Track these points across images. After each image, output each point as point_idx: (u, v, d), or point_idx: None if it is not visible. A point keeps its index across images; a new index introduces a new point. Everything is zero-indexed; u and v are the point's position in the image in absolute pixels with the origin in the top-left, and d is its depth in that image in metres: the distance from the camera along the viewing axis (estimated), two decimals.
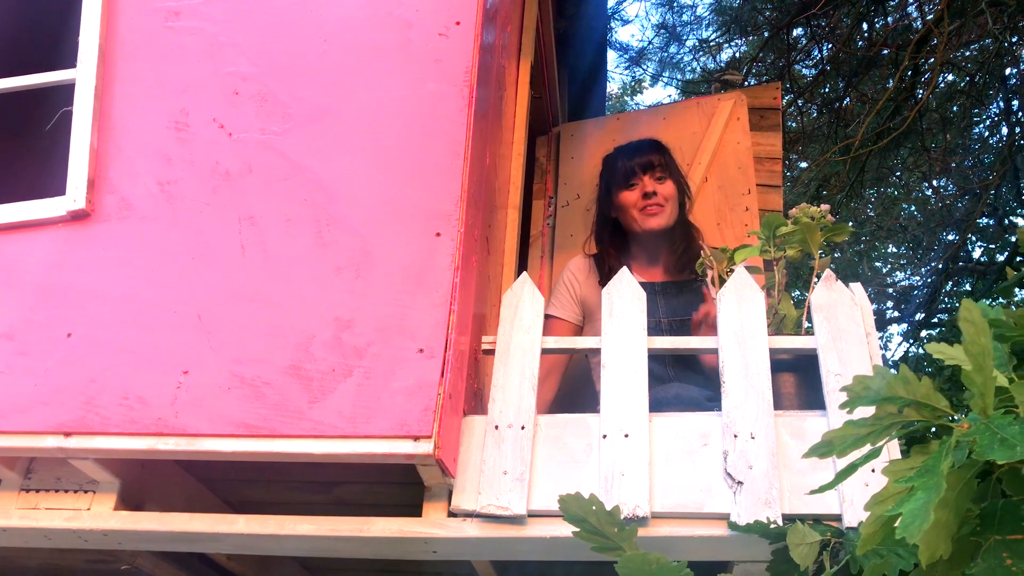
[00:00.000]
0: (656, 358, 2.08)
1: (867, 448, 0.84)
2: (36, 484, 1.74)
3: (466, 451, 1.64)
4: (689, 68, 5.20)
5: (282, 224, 1.74)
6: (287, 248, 1.72)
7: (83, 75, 1.91)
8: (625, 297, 1.78)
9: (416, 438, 1.52)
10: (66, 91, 2.01)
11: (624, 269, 1.82)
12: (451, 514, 1.62)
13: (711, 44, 4.70)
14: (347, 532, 1.61)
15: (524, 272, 1.87)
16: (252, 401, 1.58)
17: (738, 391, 1.64)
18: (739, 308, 1.74)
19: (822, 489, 0.94)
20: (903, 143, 4.46)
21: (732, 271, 1.94)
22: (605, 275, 2.51)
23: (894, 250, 8.86)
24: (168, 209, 1.79)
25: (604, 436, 1.62)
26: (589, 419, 1.67)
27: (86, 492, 1.73)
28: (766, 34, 4.43)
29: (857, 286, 1.78)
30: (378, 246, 1.70)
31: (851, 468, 0.82)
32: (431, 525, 1.60)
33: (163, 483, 1.87)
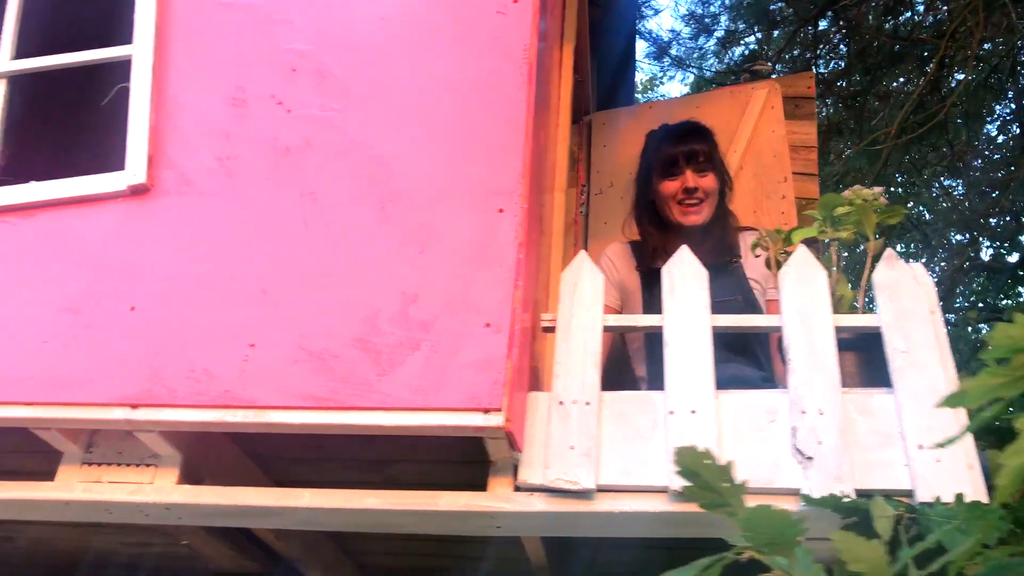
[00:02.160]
0: None
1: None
2: (98, 458, 1.74)
3: (531, 426, 1.64)
4: (717, 59, 5.20)
5: (344, 200, 1.74)
6: (349, 223, 1.72)
7: (139, 51, 1.91)
8: (687, 275, 1.78)
9: (486, 411, 1.52)
10: (113, 67, 2.01)
11: (684, 247, 1.82)
12: (517, 488, 1.61)
13: (737, 35, 4.70)
14: (413, 506, 1.61)
15: (582, 250, 1.86)
16: (320, 374, 1.58)
17: (804, 368, 1.63)
18: (801, 286, 1.74)
19: (950, 442, 0.94)
20: (926, 139, 4.46)
21: (786, 252, 1.94)
22: (645, 257, 2.50)
23: (902, 249, 8.87)
24: (228, 184, 1.78)
25: (671, 412, 1.62)
26: (654, 396, 1.67)
27: (148, 466, 1.72)
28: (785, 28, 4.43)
29: (918, 265, 1.77)
30: (440, 221, 1.70)
31: (979, 420, 0.82)
32: (497, 499, 1.60)
33: (219, 459, 1.86)
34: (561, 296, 1.79)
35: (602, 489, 1.57)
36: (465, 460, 2.03)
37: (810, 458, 1.54)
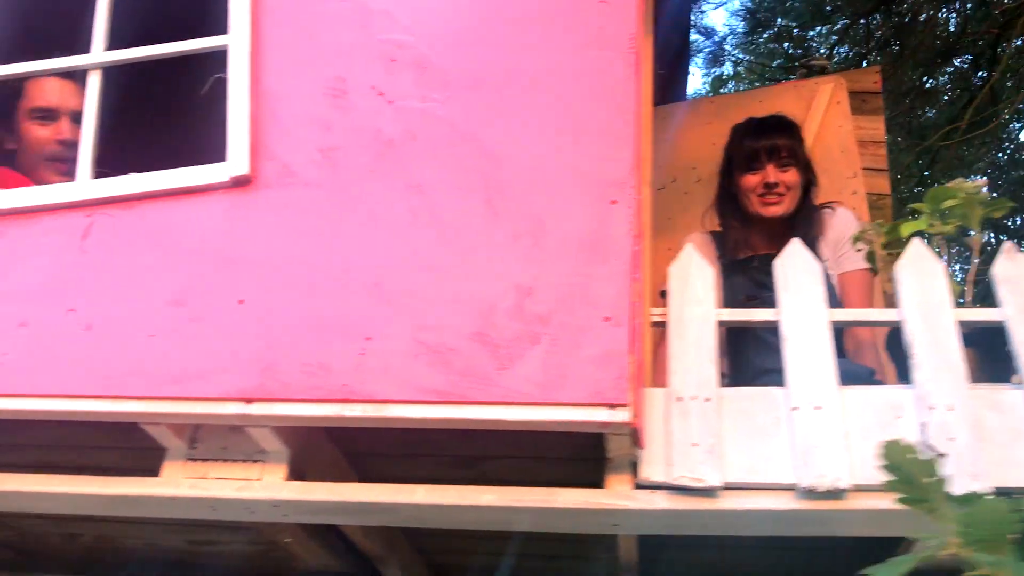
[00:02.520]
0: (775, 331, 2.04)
1: None
2: (202, 453, 1.71)
3: (649, 423, 1.61)
4: (772, 55, 5.15)
5: (451, 192, 1.71)
6: (458, 216, 1.69)
7: (236, 41, 1.88)
8: (799, 269, 1.74)
9: (612, 406, 1.49)
10: (202, 59, 1.99)
11: (796, 240, 1.78)
12: (637, 486, 1.58)
13: (792, 31, 4.65)
14: (531, 503, 1.58)
15: (689, 244, 1.83)
16: (439, 367, 1.55)
17: (929, 363, 1.60)
18: (919, 280, 1.70)
19: None
20: (977, 137, 4.41)
21: (889, 246, 1.91)
22: (726, 248, 2.49)
23: None
24: (332, 176, 1.76)
25: (794, 409, 1.58)
26: (774, 392, 1.63)
27: (255, 462, 1.70)
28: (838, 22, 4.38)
29: None
30: (552, 214, 1.67)
31: None
32: (618, 497, 1.57)
33: (319, 455, 1.84)
34: (671, 290, 1.76)
35: (729, 487, 1.54)
36: (561, 457, 2.01)
37: (942, 455, 1.50)
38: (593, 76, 1.78)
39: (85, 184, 1.79)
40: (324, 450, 1.87)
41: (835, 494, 1.50)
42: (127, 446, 2.12)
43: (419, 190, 1.71)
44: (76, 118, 2.16)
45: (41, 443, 2.14)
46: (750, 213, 2.46)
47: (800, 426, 1.56)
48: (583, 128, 1.74)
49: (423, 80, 1.82)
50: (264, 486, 1.66)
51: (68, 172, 2.10)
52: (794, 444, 1.55)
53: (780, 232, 2.43)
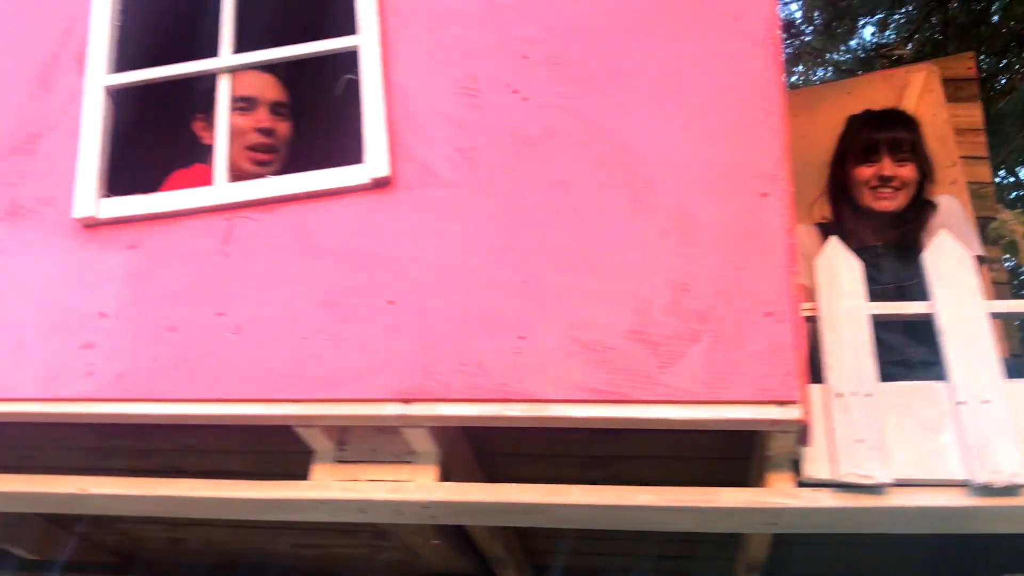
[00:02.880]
0: (885, 325, 1.99)
1: None
2: (351, 455, 1.71)
3: (812, 419, 1.58)
4: (847, 44, 5.08)
5: (595, 188, 1.69)
6: (604, 213, 1.67)
7: (367, 41, 1.87)
8: (951, 260, 1.71)
9: (781, 403, 1.46)
10: (318, 61, 1.99)
11: (943, 231, 1.75)
12: (800, 484, 1.56)
13: (870, 19, 4.58)
14: (691, 503, 1.57)
15: (834, 237, 1.80)
16: (598, 366, 1.53)
17: None
18: None
19: None
20: None
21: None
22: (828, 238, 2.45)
23: None
24: (472, 176, 1.74)
25: (960, 403, 1.55)
26: (936, 386, 1.60)
27: (405, 463, 1.69)
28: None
29: None
30: (700, 208, 1.65)
31: None
32: (781, 495, 1.54)
33: (457, 456, 1.83)
34: (819, 284, 1.73)
35: (898, 484, 1.51)
36: (698, 456, 1.99)
37: None
38: (732, 66, 1.75)
39: (223, 188, 1.79)
40: (462, 450, 1.86)
41: (1011, 490, 1.47)
42: (255, 450, 2.13)
43: (562, 187, 1.70)
44: (274, 109, 2.22)
45: (170, 448, 2.15)
46: (861, 205, 2.42)
47: (968, 421, 1.53)
48: (727, 120, 1.71)
49: (557, 76, 1.80)
50: (417, 487, 1.65)
51: (267, 162, 2.12)
52: (964, 439, 1.52)
53: (889, 225, 2.40)
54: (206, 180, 1.82)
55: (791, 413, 1.45)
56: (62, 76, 1.99)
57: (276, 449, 2.12)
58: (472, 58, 1.85)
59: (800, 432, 1.49)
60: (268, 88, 2.23)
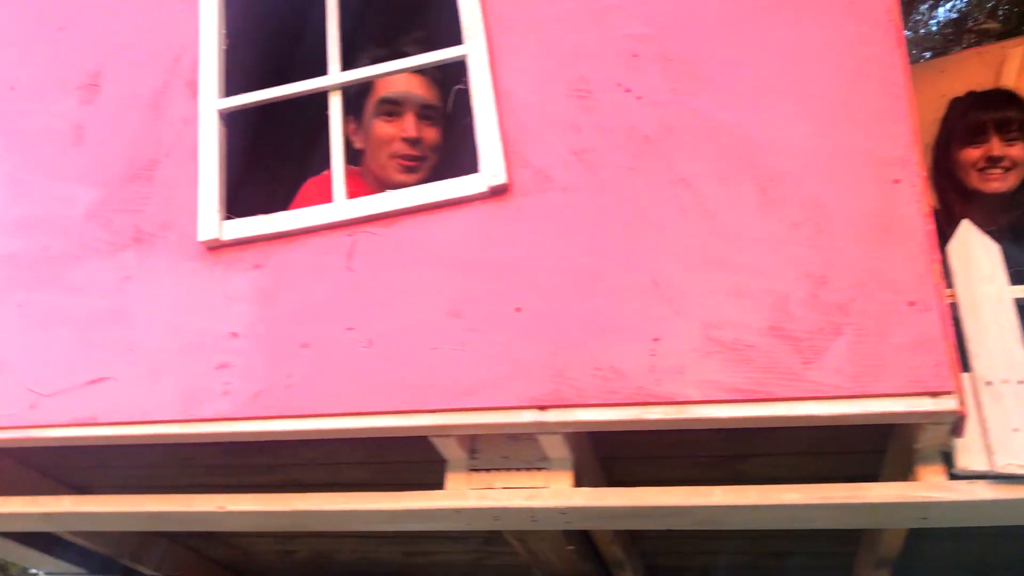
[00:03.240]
0: None
1: None
2: (483, 463, 1.71)
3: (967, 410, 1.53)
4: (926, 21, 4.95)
5: (719, 184, 1.67)
6: (731, 208, 1.64)
7: (474, 50, 1.87)
8: None
9: (935, 395, 1.42)
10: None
11: None
12: (952, 476, 1.51)
13: None
14: (839, 499, 1.53)
15: (965, 220, 1.75)
16: (738, 365, 1.51)
17: None
18: None
19: None
20: None
21: None
22: (939, 223, 2.39)
23: None
24: (590, 178, 1.73)
25: None
26: None
27: (539, 470, 1.68)
28: None
29: None
30: (830, 198, 1.61)
31: None
32: (934, 489, 1.50)
33: (584, 460, 1.82)
34: (954, 270, 1.68)
35: None
36: (826, 452, 1.94)
37: None
38: (850, 53, 1.71)
39: (343, 205, 1.81)
40: (589, 454, 1.85)
41: None
42: (376, 461, 2.15)
43: (685, 184, 1.67)
44: (423, 114, 2.18)
45: (293, 463, 2.19)
46: (969, 189, 2.35)
47: None
48: (849, 106, 1.67)
49: (670, 72, 1.78)
50: (552, 494, 1.65)
51: (413, 170, 2.13)
52: None
53: (1001, 208, 2.33)
54: (348, 186, 1.83)
55: (946, 404, 1.41)
56: (174, 102, 2.04)
57: (397, 459, 2.13)
58: (581, 60, 1.84)
59: (954, 423, 1.44)
60: (417, 88, 2.18)
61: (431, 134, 2.20)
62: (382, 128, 2.17)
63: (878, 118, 1.64)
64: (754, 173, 1.66)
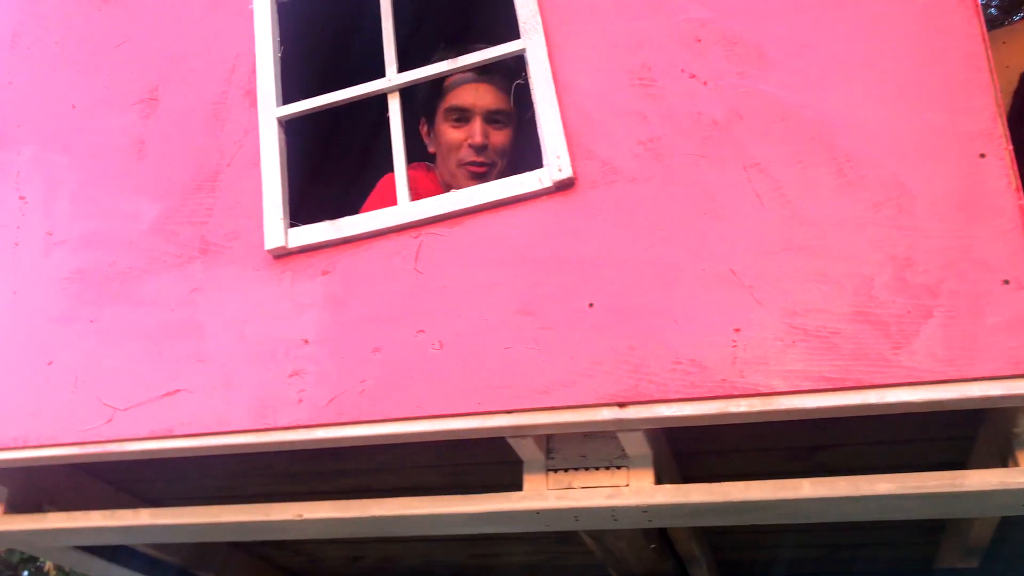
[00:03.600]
0: None
1: None
2: (560, 463, 1.68)
3: None
4: None
5: (794, 167, 1.62)
6: (808, 191, 1.59)
7: (533, 44, 1.84)
8: None
9: None
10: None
11: None
12: None
13: None
14: (935, 488, 1.47)
15: None
16: (824, 353, 1.46)
17: None
18: None
19: None
20: None
21: None
22: None
23: None
24: (659, 167, 1.69)
25: None
26: None
27: (618, 468, 1.65)
28: None
29: None
30: (911, 175, 1.55)
31: None
32: None
33: (662, 456, 1.78)
34: None
35: None
36: (905, 439, 1.89)
37: None
38: (926, 23, 1.65)
39: (407, 207, 1.79)
40: (665, 449, 1.81)
41: None
42: (445, 463, 2.14)
43: (758, 169, 1.63)
44: (490, 118, 2.17)
45: (362, 468, 2.18)
46: None
47: None
48: (926, 80, 1.61)
49: (736, 56, 1.74)
50: (634, 492, 1.61)
51: (481, 176, 2.12)
52: None
53: None
54: (423, 183, 1.81)
55: None
56: (233, 112, 2.04)
57: (469, 461, 2.12)
58: (642, 47, 1.80)
59: None
60: (483, 96, 2.16)
61: (499, 138, 2.18)
62: (450, 133, 2.16)
63: (958, 90, 1.58)
64: (830, 154, 1.61)
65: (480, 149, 2.13)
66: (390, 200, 1.89)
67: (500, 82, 2.14)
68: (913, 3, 1.67)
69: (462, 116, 2.16)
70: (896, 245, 1.50)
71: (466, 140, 2.14)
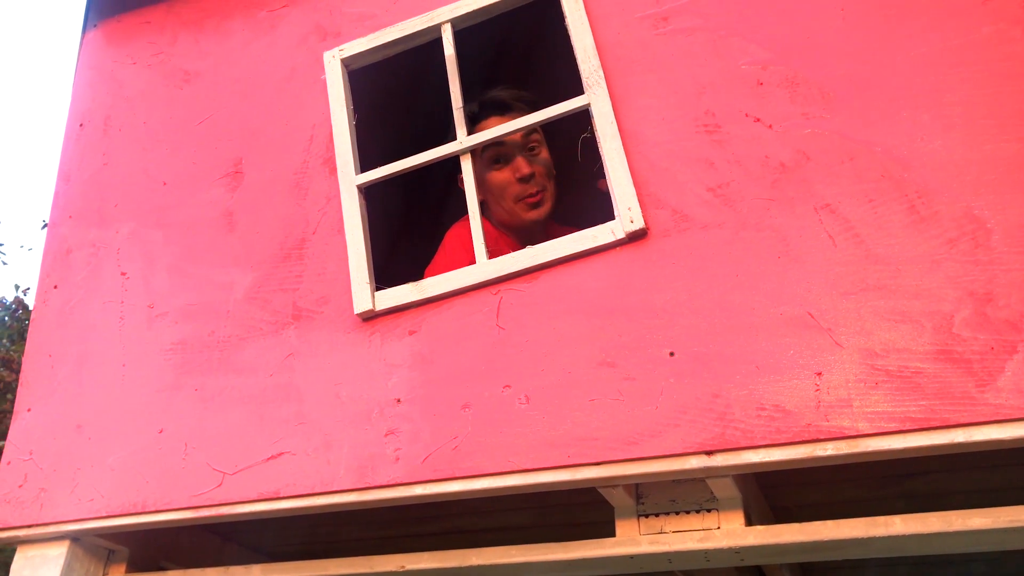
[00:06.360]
0: None
1: None
2: (651, 508, 1.72)
3: None
4: None
5: (865, 205, 1.63)
6: (880, 229, 1.61)
7: (597, 98, 1.90)
8: None
9: None
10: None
11: None
12: None
13: None
14: None
15: None
16: (908, 393, 1.47)
17: None
18: None
19: None
20: None
21: None
22: None
23: None
24: (729, 213, 1.73)
25: None
26: None
27: (709, 511, 1.69)
28: None
29: None
30: (985, 208, 1.56)
31: None
32: None
33: (752, 495, 1.81)
34: None
35: None
36: (996, 464, 1.88)
37: None
38: (990, 52, 1.66)
39: (485, 265, 1.86)
40: (753, 487, 1.84)
41: None
42: (535, 505, 2.19)
43: (829, 210, 1.65)
44: (527, 146, 2.26)
45: (454, 512, 2.25)
46: None
47: None
48: (996, 110, 1.61)
49: (797, 97, 1.76)
50: (726, 534, 1.65)
51: (538, 204, 2.21)
52: None
53: None
54: (487, 232, 1.89)
55: None
56: (314, 181, 2.14)
57: (557, 502, 2.17)
58: (705, 94, 1.84)
59: None
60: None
61: (541, 161, 2.27)
62: (496, 176, 2.23)
63: None
64: (900, 191, 1.62)
65: (528, 179, 2.21)
66: (462, 253, 1.95)
67: (523, 109, 2.20)
68: (976, 33, 1.68)
69: (500, 156, 2.23)
70: (974, 280, 1.51)
71: (514, 176, 2.22)
